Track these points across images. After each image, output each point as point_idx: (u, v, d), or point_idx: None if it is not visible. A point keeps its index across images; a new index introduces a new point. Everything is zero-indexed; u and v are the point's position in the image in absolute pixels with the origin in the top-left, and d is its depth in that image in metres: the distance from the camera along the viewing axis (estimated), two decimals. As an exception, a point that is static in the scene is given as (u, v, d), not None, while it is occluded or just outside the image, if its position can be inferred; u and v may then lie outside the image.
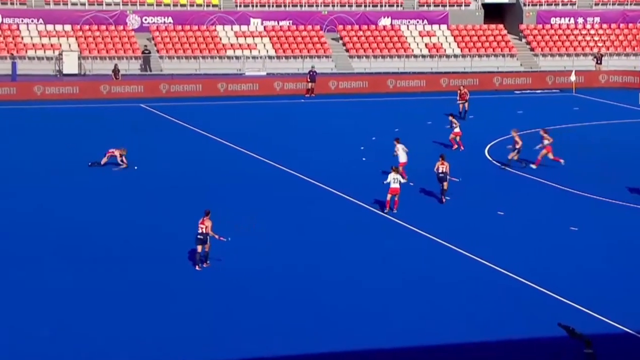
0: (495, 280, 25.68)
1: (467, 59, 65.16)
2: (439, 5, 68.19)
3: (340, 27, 66.10)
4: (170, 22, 64.27)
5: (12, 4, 62.47)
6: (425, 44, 65.49)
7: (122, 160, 37.11)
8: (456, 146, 40.37)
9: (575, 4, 69.22)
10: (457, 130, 40.53)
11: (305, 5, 66.70)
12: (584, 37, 67.19)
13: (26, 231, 29.22)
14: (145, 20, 64.07)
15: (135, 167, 36.78)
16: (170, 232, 29.28)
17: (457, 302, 24.06)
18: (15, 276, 25.42)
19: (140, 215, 31.21)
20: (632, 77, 59.68)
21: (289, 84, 57.09)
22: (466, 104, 48.27)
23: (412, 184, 32.19)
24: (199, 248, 26.18)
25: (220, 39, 63.59)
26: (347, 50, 64.80)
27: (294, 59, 63.38)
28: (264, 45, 63.75)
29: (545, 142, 37.60)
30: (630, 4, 69.24)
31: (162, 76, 59.00)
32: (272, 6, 66.28)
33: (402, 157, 34.96)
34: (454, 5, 68.39)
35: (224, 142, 42.93)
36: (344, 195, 33.70)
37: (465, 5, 68.64)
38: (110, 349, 21.33)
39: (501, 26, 67.82)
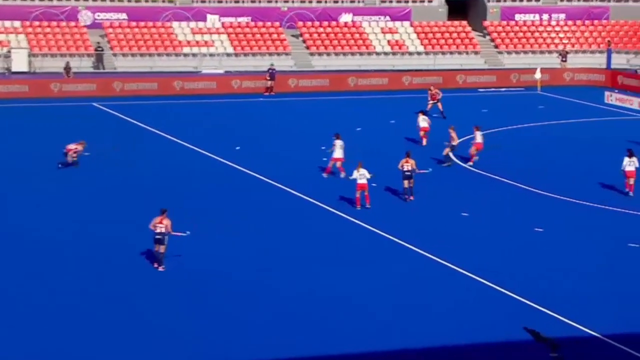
0: (460, 282, 25.69)
1: (430, 57, 65.37)
2: (401, 2, 68.36)
3: (300, 23, 66.01)
4: (124, 19, 63.77)
5: (-42, -1, 61.71)
6: (388, 41, 65.60)
7: (74, 155, 36.88)
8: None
9: (539, 0, 69.73)
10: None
11: (264, 1, 66.53)
12: (548, 34, 67.69)
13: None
14: (98, 16, 63.53)
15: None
16: (124, 233, 29.04)
17: (420, 306, 24.03)
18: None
19: (91, 218, 30.89)
20: (597, 75, 60.19)
21: (247, 82, 56.90)
22: (439, 104, 48.29)
23: (350, 178, 32.56)
24: (159, 248, 26.01)
25: (176, 35, 63.22)
26: (307, 48, 64.72)
27: (253, 56, 63.19)
28: (222, 42, 63.48)
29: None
30: (595, 0, 69.88)
31: (116, 74, 58.54)
32: (230, 2, 66.03)
33: (338, 153, 35.60)
34: (416, 2, 68.59)
35: (180, 141, 42.67)
36: (302, 196, 33.61)
37: (428, 2, 68.86)
38: (65, 356, 21.03)
39: (465, 23, 68.14)
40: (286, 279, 25.83)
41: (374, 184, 33.27)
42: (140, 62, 61.38)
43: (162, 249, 26.03)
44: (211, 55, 62.47)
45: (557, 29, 68.11)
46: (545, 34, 67.63)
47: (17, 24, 60.94)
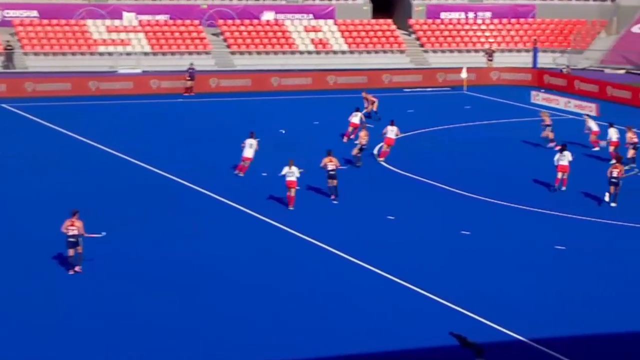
0: (386, 288, 25.85)
1: (355, 56, 65.74)
2: (325, -1, 68.69)
3: (221, 21, 65.82)
4: (35, 16, 62.84)
5: None
6: (311, 40, 65.77)
7: None
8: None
9: (465, -2, 70.65)
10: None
11: (183, -2, 66.26)
12: (474, 32, 68.59)
13: None
14: (8, 13, 62.49)
15: None
16: (36, 237, 28.71)
17: (344, 312, 24.12)
18: None
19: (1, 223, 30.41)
20: (523, 74, 61.15)
21: (166, 83, 56.53)
22: (374, 105, 48.56)
23: (265, 174, 32.61)
24: (71, 252, 25.75)
25: (91, 34, 62.52)
26: (228, 47, 64.55)
27: (172, 55, 62.84)
28: (139, 40, 62.97)
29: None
30: (521, -2, 71.09)
31: (27, 74, 57.67)
32: (147, -1, 65.63)
33: (247, 152, 36.24)
34: (340, -1, 69.00)
35: (95, 144, 42.25)
36: (222, 199, 33.50)
37: (352, -1, 69.30)
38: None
39: (390, 21, 68.69)
40: (202, 281, 25.73)
41: (297, 187, 33.37)
42: (53, 62, 60.54)
43: (78, 249, 25.83)
44: (128, 54, 61.91)
45: (483, 27, 69.07)
46: (471, 33, 68.52)
47: None
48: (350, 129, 42.54)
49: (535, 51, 64.93)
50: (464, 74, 57.80)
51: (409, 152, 40.98)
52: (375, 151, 40.47)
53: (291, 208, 32.43)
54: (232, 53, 64.21)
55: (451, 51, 67.51)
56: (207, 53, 63.43)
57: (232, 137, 43.89)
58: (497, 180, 37.29)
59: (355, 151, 38.37)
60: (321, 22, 67.24)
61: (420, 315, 24.06)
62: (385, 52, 66.46)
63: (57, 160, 39.32)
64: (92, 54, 61.65)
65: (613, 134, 39.92)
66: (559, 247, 29.28)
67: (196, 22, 65.19)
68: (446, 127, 46.72)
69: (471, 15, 69.77)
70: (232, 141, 42.73)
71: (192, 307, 24.29)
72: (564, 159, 35.00)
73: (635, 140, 38.54)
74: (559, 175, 35.05)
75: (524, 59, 65.85)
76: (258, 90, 56.76)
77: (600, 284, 26.44)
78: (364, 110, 46.83)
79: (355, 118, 42.56)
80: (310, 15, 67.58)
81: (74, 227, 25.71)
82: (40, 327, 22.95)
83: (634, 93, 53.98)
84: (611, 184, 33.54)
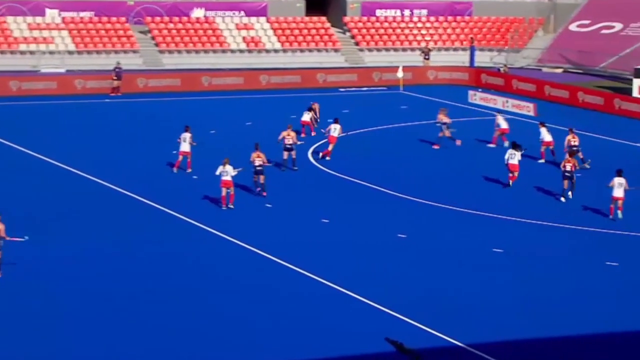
0: (322, 293, 25.86)
1: (288, 54, 65.74)
2: (257, -4, 68.58)
3: (149, 18, 65.36)
4: (-48, 12, 61.75)
5: None
6: (243, 38, 65.63)
7: None
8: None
9: (401, -5, 71.10)
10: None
11: (108, -6, 65.65)
12: (410, 30, 69.05)
13: None
14: None
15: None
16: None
17: (275, 317, 24.08)
18: None
19: None
20: (460, 74, 61.68)
21: (91, 82, 55.95)
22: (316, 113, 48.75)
23: (190, 170, 33.31)
24: None
25: (12, 31, 61.67)
26: (156, 45, 64.12)
27: (97, 54, 62.26)
28: (63, 39, 62.26)
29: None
30: (458, -4, 71.75)
31: (-56, 74, 56.66)
32: (71, -5, 64.91)
33: (184, 147, 36.94)
34: (273, -4, 68.94)
35: (17, 146, 41.75)
36: (149, 202, 33.29)
37: (285, -4, 69.29)
38: None
39: (324, 18, 68.83)
40: (126, 286, 25.55)
41: (233, 187, 33.38)
42: (-28, 61, 59.62)
43: None
44: (51, 52, 61.17)
45: (420, 25, 69.57)
46: (407, 31, 68.96)
47: None
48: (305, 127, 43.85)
49: (472, 50, 65.56)
50: (400, 73, 58.09)
51: (345, 153, 41.06)
52: (309, 151, 40.51)
53: (231, 207, 32.62)
54: (161, 52, 63.78)
55: (387, 50, 67.87)
56: (134, 52, 62.92)
57: (160, 138, 43.62)
58: (434, 182, 37.54)
59: (286, 154, 38.23)
60: (253, 19, 67.13)
61: (355, 320, 24.09)
62: (319, 50, 66.56)
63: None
64: (12, 52, 60.78)
65: (545, 133, 40.47)
66: (497, 250, 29.57)
67: (123, 19, 64.64)
68: (382, 127, 46.93)
69: (407, 12, 70.22)
70: (160, 143, 42.48)
71: (111, 310, 24.07)
72: (514, 157, 35.71)
73: (575, 143, 38.91)
74: (514, 174, 35.90)
75: (461, 58, 66.46)
76: (188, 90, 56.43)
77: (538, 287, 26.74)
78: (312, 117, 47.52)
79: (306, 116, 43.97)
80: (242, 13, 67.43)
81: (-6, 231, 25.47)
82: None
83: (572, 92, 54.80)
84: (565, 177, 34.58)
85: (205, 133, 43.87)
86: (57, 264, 27.37)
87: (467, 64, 64.58)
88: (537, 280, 27.26)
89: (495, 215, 33.09)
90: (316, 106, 48.25)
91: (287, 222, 32.03)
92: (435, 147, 42.78)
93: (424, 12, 70.41)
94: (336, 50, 66.85)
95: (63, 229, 30.68)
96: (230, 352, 22.33)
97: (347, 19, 69.30)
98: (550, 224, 32.35)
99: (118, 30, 63.74)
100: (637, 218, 32.77)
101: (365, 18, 69.45)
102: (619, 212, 32.57)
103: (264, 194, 33.93)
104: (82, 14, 64.27)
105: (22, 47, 61.05)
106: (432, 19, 70.06)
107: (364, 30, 68.57)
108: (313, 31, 67.43)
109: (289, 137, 34.99)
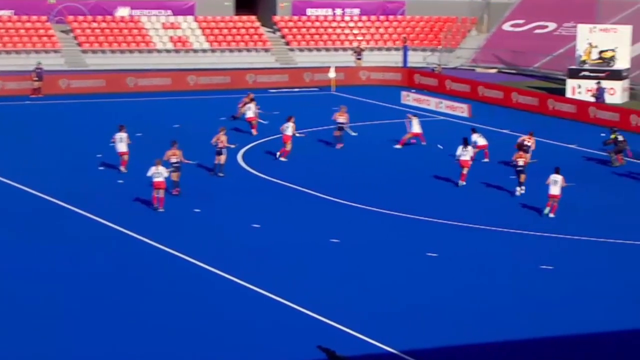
0: (251, 300, 25.82)
1: (217, 54, 65.56)
2: (184, -6, 68.31)
3: (71, 17, 64.74)
4: None
5: None
6: (170, 37, 65.30)
7: None
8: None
9: (332, -6, 71.35)
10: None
11: (29, -8, 64.91)
12: (342, 30, 69.30)
13: None
14: None
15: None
16: None
17: (204, 325, 23.97)
18: None
19: None
20: (393, 74, 62.01)
21: (11, 83, 55.20)
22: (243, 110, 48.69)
23: (121, 181, 34.02)
24: None
25: None
26: (79, 45, 63.53)
27: (17, 54, 61.54)
28: (-20, 38, 61.38)
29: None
30: (391, -5, 72.21)
31: None
32: (-11, -7, 64.04)
33: (121, 147, 37.57)
34: (200, -6, 68.72)
35: None
36: (73, 208, 32.97)
37: (213, -6, 69.11)
38: None
39: (254, 18, 68.77)
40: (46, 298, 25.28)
41: (165, 188, 33.23)
42: None
43: None
44: (-32, 53, 60.30)
45: (352, 24, 69.85)
46: (339, 30, 69.20)
47: None
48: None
49: (405, 50, 66.00)
50: (332, 74, 58.24)
51: (276, 156, 41.04)
52: (242, 147, 40.41)
53: (161, 210, 32.67)
54: (84, 52, 63.18)
55: (318, 50, 68.01)
56: (56, 51, 62.25)
57: (83, 141, 43.20)
58: (366, 185, 37.68)
59: (221, 159, 38.06)
60: (180, 18, 66.81)
61: (286, 328, 24.09)
62: (249, 50, 66.47)
63: None
64: None
65: (477, 138, 40.76)
66: (431, 254, 29.77)
67: (43, 18, 63.90)
68: (313, 129, 46.97)
69: (339, 12, 70.47)
70: (84, 146, 42.08)
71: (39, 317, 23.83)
72: (466, 154, 36.31)
73: (529, 143, 39.11)
74: (464, 170, 36.59)
75: (393, 58, 66.85)
76: (112, 92, 55.94)
77: (471, 292, 26.96)
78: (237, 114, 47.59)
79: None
80: (169, 12, 67.07)
81: None
82: None
83: (506, 93, 55.44)
84: (517, 172, 35.72)
85: (132, 136, 43.48)
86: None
87: (400, 64, 64.99)
88: (471, 285, 27.47)
89: (430, 219, 33.30)
90: (252, 96, 48.23)
91: (216, 228, 31.90)
92: (339, 146, 43.30)
93: (356, 11, 70.72)
94: (266, 50, 66.84)
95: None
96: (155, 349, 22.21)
97: (277, 18, 69.33)
98: (484, 227, 32.65)
99: (39, 30, 63.02)
100: (570, 219, 33.30)
101: (295, 17, 69.53)
102: (547, 208, 33.19)
103: (175, 191, 34.30)
104: (0, 12, 63.37)
105: (-62, 46, 60.05)
106: (364, 18, 70.38)
107: (295, 30, 68.65)
108: (242, 31, 67.33)
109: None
